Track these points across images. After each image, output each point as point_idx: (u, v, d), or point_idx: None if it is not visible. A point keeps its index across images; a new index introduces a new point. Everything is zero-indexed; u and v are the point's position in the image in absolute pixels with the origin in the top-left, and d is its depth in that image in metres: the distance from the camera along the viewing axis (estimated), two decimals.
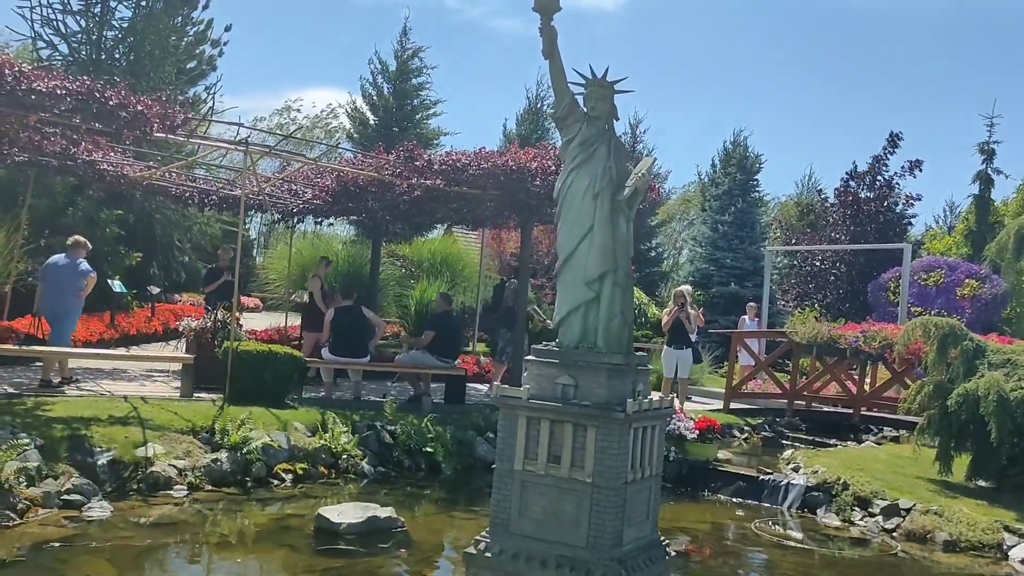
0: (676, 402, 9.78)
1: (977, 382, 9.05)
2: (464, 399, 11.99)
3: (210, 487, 8.11)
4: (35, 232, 15.06)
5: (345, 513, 7.20)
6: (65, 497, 7.09)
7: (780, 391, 14.55)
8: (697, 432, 10.28)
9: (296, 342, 13.50)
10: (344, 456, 9.23)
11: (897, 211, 23.06)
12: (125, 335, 15.16)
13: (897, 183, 22.93)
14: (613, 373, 5.74)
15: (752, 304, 17.97)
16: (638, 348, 9.74)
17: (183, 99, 19.35)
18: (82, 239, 11.22)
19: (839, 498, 9.05)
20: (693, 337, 14.30)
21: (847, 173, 23.39)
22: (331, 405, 10.52)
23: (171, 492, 7.81)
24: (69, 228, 15.87)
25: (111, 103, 8.89)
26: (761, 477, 9.86)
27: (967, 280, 18.70)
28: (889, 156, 22.96)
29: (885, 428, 13.93)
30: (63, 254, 10.96)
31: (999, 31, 67.85)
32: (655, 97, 67.20)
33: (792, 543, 8.13)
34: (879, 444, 12.99)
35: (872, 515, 8.71)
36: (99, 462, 7.64)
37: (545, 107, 32.48)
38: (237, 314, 11.05)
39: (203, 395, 10.08)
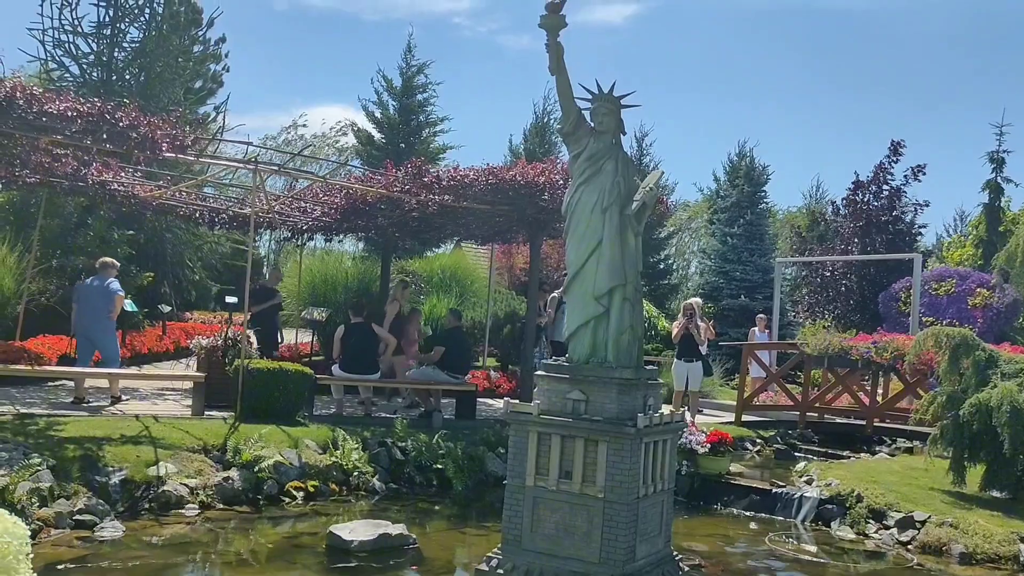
0: (687, 415, 9.75)
1: (990, 392, 9.00)
2: (475, 414, 11.98)
3: (222, 506, 8.12)
4: (47, 253, 15.17)
5: (357, 530, 7.19)
6: (77, 517, 7.11)
7: (792, 403, 14.49)
8: (709, 445, 10.23)
9: (307, 359, 13.52)
10: (355, 473, 9.23)
11: (907, 220, 22.98)
12: (137, 354, 15.22)
13: (904, 191, 22.86)
14: (624, 388, 5.74)
15: (762, 316, 17.92)
16: (648, 361, 9.76)
17: (192, 118, 19.49)
18: (111, 260, 11.57)
19: (853, 511, 8.99)
20: (703, 349, 14.26)
21: (853, 183, 23.35)
22: (342, 422, 10.53)
23: (183, 511, 7.82)
24: (81, 248, 16.00)
25: (122, 124, 8.97)
26: (774, 490, 9.81)
27: (978, 289, 18.61)
28: (893, 164, 22.90)
29: (898, 439, 13.86)
30: (94, 276, 11.32)
31: (1008, 39, 67.79)
32: (661, 109, 67.29)
33: (806, 557, 8.08)
34: (892, 456, 12.91)
35: (887, 528, 8.65)
36: (111, 482, 7.66)
37: (552, 122, 32.52)
38: (248, 331, 11.08)
39: (214, 413, 10.10)
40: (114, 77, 19.18)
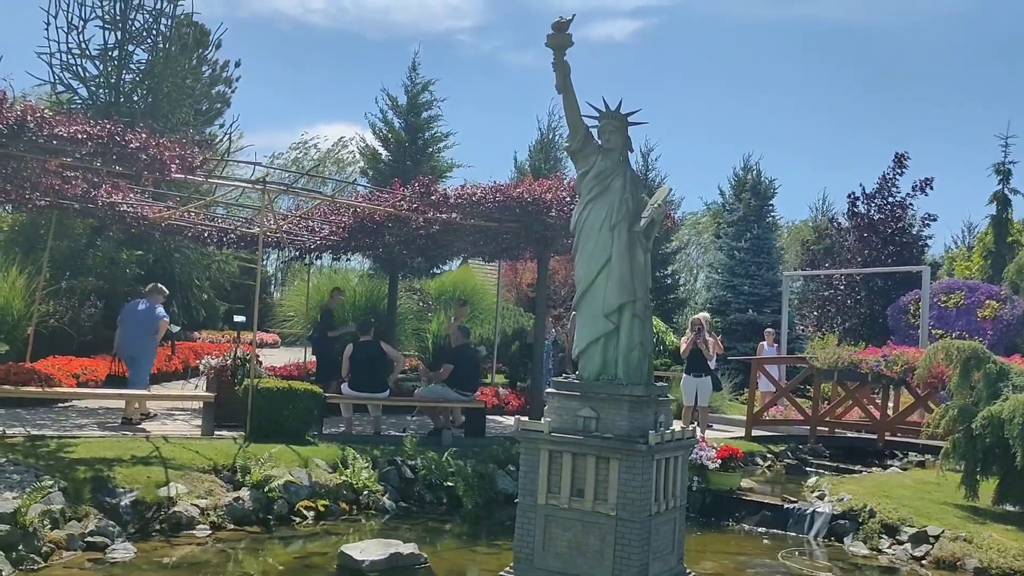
0: (697, 430, 9.72)
1: (1002, 405, 8.95)
2: (484, 432, 11.96)
3: (232, 526, 8.10)
4: (56, 274, 15.24)
5: (368, 550, 7.17)
6: (89, 539, 7.10)
7: (802, 417, 14.43)
8: (719, 461, 10.19)
9: (315, 377, 13.53)
10: (365, 492, 9.22)
11: (913, 233, 22.95)
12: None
13: (910, 203, 22.84)
14: (634, 405, 5.73)
15: (770, 330, 17.88)
16: (657, 377, 9.74)
17: (200, 139, 19.61)
18: (160, 286, 12.10)
19: (866, 526, 8.94)
20: (712, 364, 14.25)
21: (852, 194, 23.35)
22: (351, 440, 10.52)
23: (194, 532, 7.81)
24: (90, 269, 16.09)
25: (131, 146, 9.03)
26: (786, 506, 9.75)
27: (987, 301, 18.56)
28: (898, 177, 22.89)
29: (910, 453, 13.77)
30: (141, 299, 11.83)
31: (1012, 51, 67.83)
32: (666, 124, 67.46)
33: (820, 573, 8.02)
34: (904, 469, 12.84)
35: (900, 543, 8.59)
36: (122, 503, 7.66)
37: (556, 138, 32.62)
38: (257, 350, 11.12)
39: (224, 433, 10.11)
40: (122, 99, 19.32)
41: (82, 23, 19.14)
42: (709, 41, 74.04)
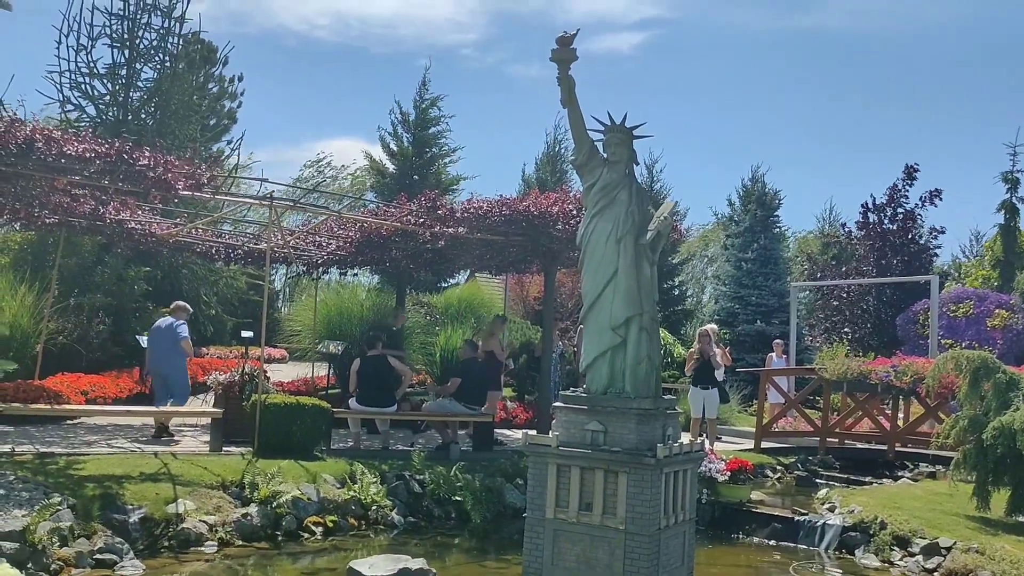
0: (706, 443, 9.68)
1: (1013, 415, 8.90)
2: (492, 445, 11.94)
3: (241, 542, 8.09)
4: (64, 291, 15.30)
5: (376, 565, 7.14)
6: (98, 556, 7.10)
7: (812, 429, 14.37)
8: (728, 473, 10.16)
9: (323, 392, 13.53)
10: (374, 507, 9.20)
11: (922, 243, 22.90)
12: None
13: (919, 214, 22.82)
14: (642, 418, 5.73)
15: (779, 341, 17.83)
16: (665, 389, 9.71)
17: (208, 155, 19.71)
18: (182, 304, 12.37)
19: (877, 538, 8.88)
20: (720, 376, 14.23)
21: (864, 205, 23.35)
22: (359, 455, 10.50)
23: (202, 548, 7.80)
24: (98, 286, 16.14)
25: (139, 164, 9.08)
26: (796, 518, 9.70)
27: (997, 310, 18.48)
28: (908, 188, 22.89)
29: (921, 464, 13.70)
30: (167, 317, 12.12)
31: (1019, 59, 67.78)
32: (672, 135, 67.58)
33: None
34: (915, 480, 12.76)
35: (912, 554, 8.53)
36: (131, 520, 7.66)
37: (562, 151, 32.65)
38: (265, 366, 11.13)
39: (232, 449, 10.11)
40: (130, 116, 19.44)
41: (91, 43, 19.29)
42: (714, 52, 74.26)
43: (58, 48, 19.04)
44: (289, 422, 10.08)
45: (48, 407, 10.30)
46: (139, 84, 19.91)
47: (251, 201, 11.85)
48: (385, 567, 7.13)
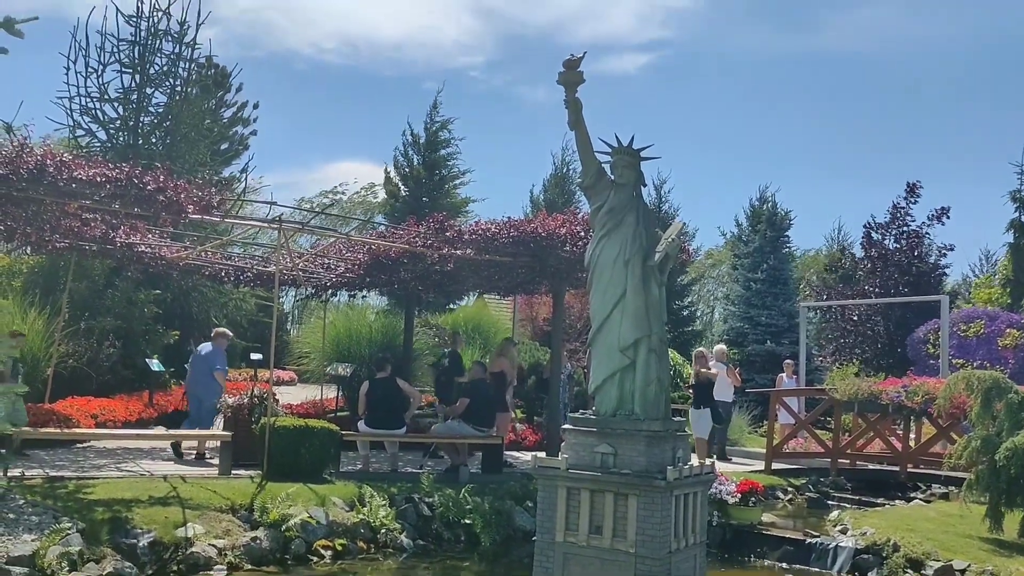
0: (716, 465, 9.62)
1: None
2: (502, 467, 11.90)
3: (250, 566, 8.08)
4: (75, 315, 15.35)
5: None
6: None
7: (823, 450, 14.28)
8: (739, 495, 10.09)
9: (332, 414, 13.52)
10: (383, 530, 9.17)
11: (931, 262, 22.82)
12: (164, 413, 15.26)
13: (926, 232, 22.76)
14: (652, 440, 5.71)
15: (789, 362, 17.76)
16: (675, 411, 9.67)
17: (218, 179, 19.83)
18: (223, 330, 12.91)
19: (890, 560, 8.80)
20: (730, 396, 14.18)
21: (866, 224, 23.33)
22: (368, 478, 10.48)
23: (211, 572, 7.78)
24: (108, 310, 16.19)
25: (149, 188, 9.15)
26: (808, 540, 9.62)
27: (1008, 330, 18.38)
28: (911, 205, 22.85)
29: (933, 485, 13.57)
30: (208, 343, 12.56)
31: (1018, 76, 67.80)
32: (679, 156, 67.75)
33: None
34: (928, 502, 12.63)
35: None
36: (140, 544, 7.65)
37: (570, 172, 32.71)
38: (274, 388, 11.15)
39: (241, 472, 10.10)
40: (140, 141, 19.58)
41: (101, 67, 19.46)
42: (720, 73, 74.50)
43: (67, 73, 19.22)
44: (298, 445, 10.08)
45: (58, 431, 10.32)
46: (150, 109, 20.06)
47: (260, 224, 11.91)
48: None
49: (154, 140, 19.95)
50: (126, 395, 14.67)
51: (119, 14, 19.75)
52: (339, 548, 8.71)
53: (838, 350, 22.88)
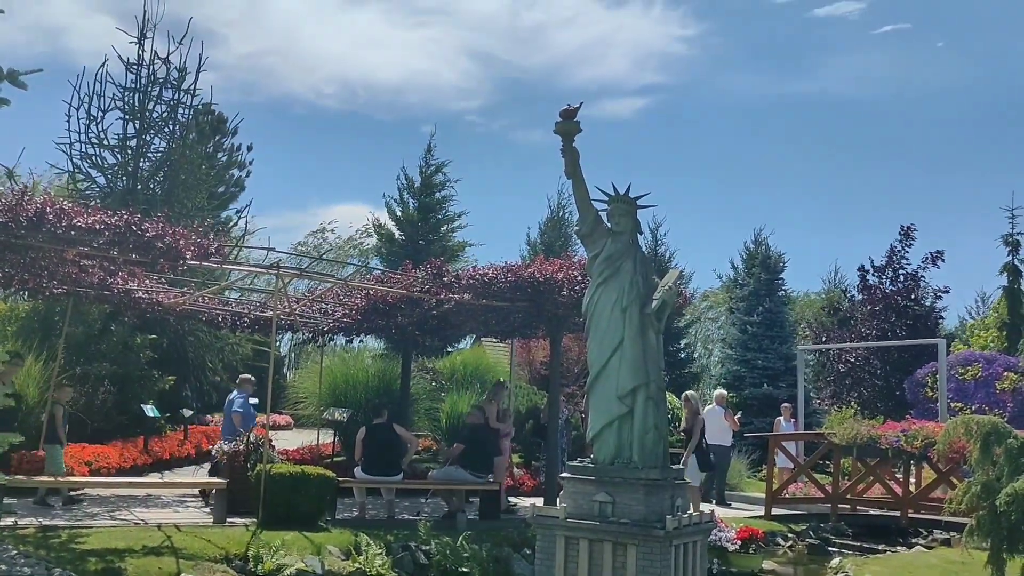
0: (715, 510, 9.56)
1: None
2: (499, 514, 11.79)
3: None
4: (70, 360, 15.30)
5: None
6: None
7: (822, 495, 14.18)
8: (739, 542, 10.01)
9: (328, 459, 13.43)
10: None
11: (927, 305, 22.88)
12: (159, 459, 15.16)
13: (922, 275, 22.86)
14: (651, 489, 5.68)
15: (787, 405, 17.72)
16: (674, 456, 9.61)
17: (214, 223, 19.89)
18: (246, 376, 13.25)
19: None
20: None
21: (861, 267, 23.44)
22: (365, 525, 10.38)
23: None
24: (104, 355, 16.14)
25: (148, 235, 9.18)
26: None
27: (1006, 373, 18.38)
28: (907, 249, 22.98)
29: (935, 530, 13.47)
30: (237, 391, 12.83)
31: (1014, 122, 68.64)
32: (675, 200, 68.15)
33: None
34: (929, 548, 12.54)
35: None
36: None
37: (566, 215, 32.92)
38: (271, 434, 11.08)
39: (236, 520, 10.00)
40: (139, 186, 19.69)
41: (101, 114, 19.65)
42: (716, 116, 75.28)
43: (68, 121, 19.39)
44: (294, 492, 9.99)
45: (51, 479, 10.23)
46: (149, 155, 20.20)
47: (258, 270, 11.93)
48: None
49: (152, 185, 20.07)
50: (121, 441, 14.57)
51: (121, 60, 20.00)
52: None
53: (836, 393, 22.83)
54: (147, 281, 12.45)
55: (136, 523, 9.86)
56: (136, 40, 20.31)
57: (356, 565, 9.10)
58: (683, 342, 30.23)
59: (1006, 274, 24.74)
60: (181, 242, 9.46)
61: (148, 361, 17.02)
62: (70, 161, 19.41)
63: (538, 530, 5.89)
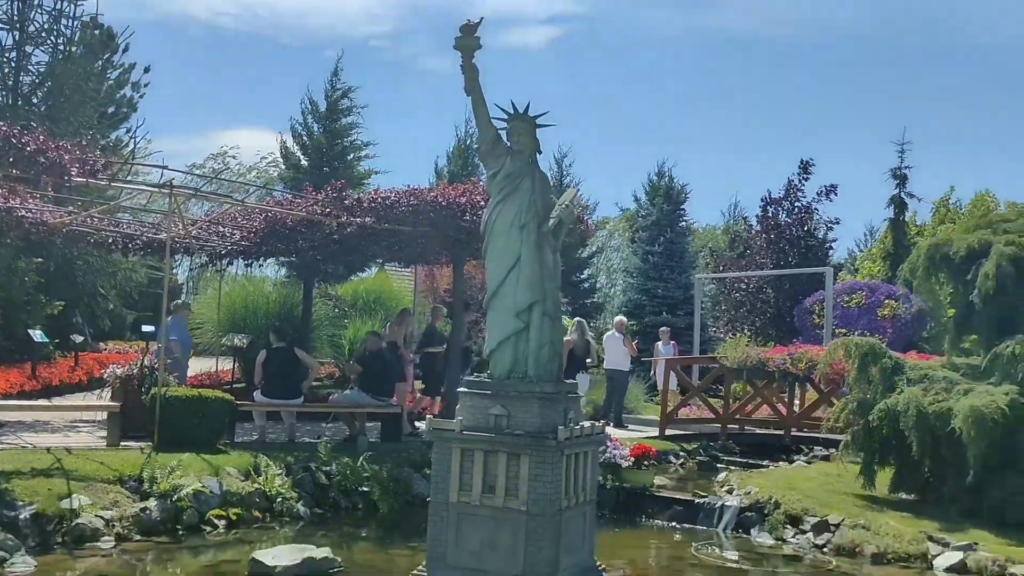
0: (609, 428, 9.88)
1: (897, 398, 9.36)
2: (400, 437, 11.92)
3: (139, 537, 7.90)
4: None
5: (280, 556, 7.09)
6: None
7: (713, 416, 14.80)
8: (632, 459, 10.38)
9: (228, 386, 13.27)
10: (279, 499, 9.09)
11: (819, 236, 23.75)
12: (47, 386, 14.68)
13: (815, 208, 23.65)
14: (545, 402, 5.82)
15: (665, 329, 18.30)
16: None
17: (104, 143, 19.02)
18: (181, 302, 13.37)
19: (771, 517, 9.23)
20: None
21: (763, 199, 24.12)
22: (265, 448, 10.35)
23: (98, 544, 7.58)
24: None
25: (28, 149, 8.74)
26: (696, 500, 10.00)
27: (887, 301, 19.33)
28: (803, 182, 23.70)
29: (815, 447, 14.23)
30: (172, 316, 12.32)
31: (907, 58, 70.97)
32: (582, 130, 68.36)
33: (730, 564, 8.26)
34: (809, 463, 13.24)
35: (803, 532, 8.91)
36: (21, 516, 7.40)
37: (473, 143, 32.65)
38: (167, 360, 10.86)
39: (131, 444, 9.82)
40: (20, 101, 18.61)
41: None
42: (623, 48, 75.35)
43: None
44: (191, 415, 9.86)
45: None
46: (30, 68, 19.07)
47: (149, 189, 11.52)
48: (289, 557, 7.09)
49: (35, 101, 19.00)
50: (6, 367, 14.06)
51: None
52: (233, 518, 8.58)
53: (731, 321, 23.64)
54: (30, 200, 11.87)
55: (24, 447, 9.59)
56: None
57: (256, 486, 9.11)
58: (586, 272, 30.70)
59: (893, 206, 25.81)
60: (66, 157, 9.05)
61: (34, 285, 16.35)
62: None
63: (435, 443, 6.00)
